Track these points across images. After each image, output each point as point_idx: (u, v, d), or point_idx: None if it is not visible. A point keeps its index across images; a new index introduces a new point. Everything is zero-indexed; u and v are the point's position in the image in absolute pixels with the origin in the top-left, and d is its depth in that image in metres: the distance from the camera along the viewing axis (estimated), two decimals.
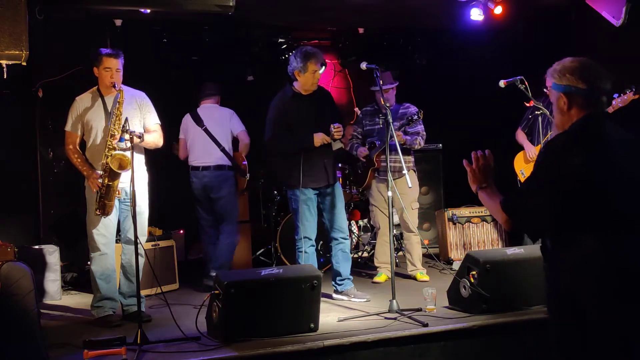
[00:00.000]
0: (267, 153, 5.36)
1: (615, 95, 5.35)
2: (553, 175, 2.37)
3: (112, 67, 4.58)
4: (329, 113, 5.09)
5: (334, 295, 5.15)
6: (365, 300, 5.00)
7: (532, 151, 5.77)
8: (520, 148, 5.93)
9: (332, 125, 4.96)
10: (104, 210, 4.50)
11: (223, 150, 5.86)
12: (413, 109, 5.88)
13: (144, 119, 4.75)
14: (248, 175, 6.06)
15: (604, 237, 2.33)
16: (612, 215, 2.34)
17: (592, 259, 2.32)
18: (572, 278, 2.37)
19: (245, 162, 6.06)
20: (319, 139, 4.96)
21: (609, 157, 2.38)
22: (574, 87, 2.46)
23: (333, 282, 5.18)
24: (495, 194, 2.59)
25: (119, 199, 4.61)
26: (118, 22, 6.42)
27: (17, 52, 4.32)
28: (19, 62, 4.41)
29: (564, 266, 2.40)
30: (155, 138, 4.76)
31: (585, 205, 2.34)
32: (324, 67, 5.13)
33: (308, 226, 5.03)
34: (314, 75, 4.98)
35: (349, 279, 5.14)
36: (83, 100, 4.71)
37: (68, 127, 4.70)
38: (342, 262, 5.12)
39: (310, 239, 5.05)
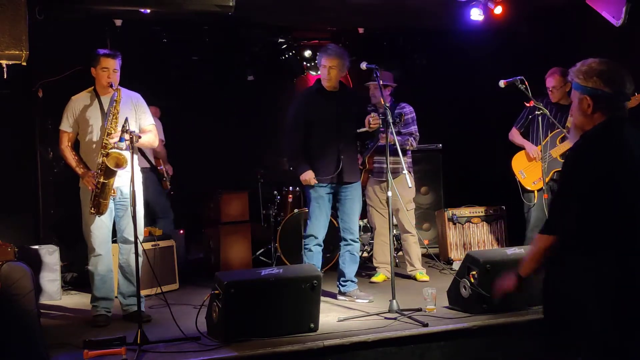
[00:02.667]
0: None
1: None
2: (584, 181, 2.33)
3: (110, 67, 4.59)
4: (355, 114, 5.09)
5: (338, 296, 5.17)
6: (367, 301, 5.00)
7: (534, 151, 5.71)
8: (518, 148, 5.90)
9: (369, 116, 4.93)
10: (99, 209, 4.51)
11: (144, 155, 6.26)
12: (407, 109, 5.88)
13: (139, 120, 4.76)
14: (166, 177, 6.44)
15: (623, 248, 2.30)
16: (632, 223, 2.31)
17: (610, 271, 2.31)
18: (585, 287, 2.36)
19: (162, 167, 6.46)
20: (305, 177, 5.02)
21: (633, 162, 2.36)
22: (600, 90, 2.44)
23: (337, 282, 5.19)
24: (524, 261, 2.54)
25: (113, 199, 4.61)
26: (118, 22, 6.41)
27: (17, 52, 4.32)
28: (19, 62, 4.40)
29: (579, 275, 2.38)
30: (150, 138, 4.78)
31: (609, 213, 2.31)
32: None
33: (317, 224, 5.05)
34: (322, 70, 5.09)
35: (352, 281, 5.14)
36: (79, 100, 4.71)
37: (63, 127, 4.70)
38: (348, 264, 5.12)
39: (316, 237, 5.06)
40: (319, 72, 7.63)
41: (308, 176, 5.02)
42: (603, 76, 2.44)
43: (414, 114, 5.91)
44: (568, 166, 2.45)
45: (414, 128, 5.85)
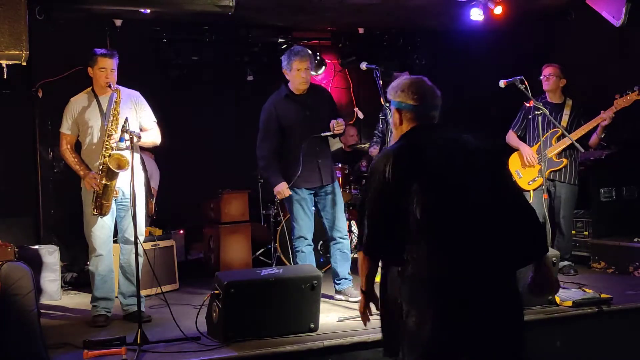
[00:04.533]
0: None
1: (618, 96, 5.37)
2: (381, 191, 2.49)
3: (107, 67, 4.58)
4: (327, 113, 5.05)
5: (335, 296, 5.16)
6: (358, 300, 4.98)
7: (529, 155, 5.70)
8: (514, 149, 5.90)
9: (333, 121, 4.93)
10: (101, 210, 4.50)
11: None
12: None
13: (140, 118, 4.75)
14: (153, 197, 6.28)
15: (427, 247, 2.43)
16: (430, 223, 2.42)
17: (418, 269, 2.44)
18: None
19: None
20: (278, 189, 4.98)
21: (425, 165, 2.50)
22: (404, 103, 2.68)
23: (333, 282, 5.19)
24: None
25: (115, 200, 4.61)
26: (118, 22, 6.43)
27: (17, 52, 4.32)
28: (19, 62, 4.40)
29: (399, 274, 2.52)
30: (153, 136, 4.76)
31: (408, 215, 2.43)
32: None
33: (303, 225, 5.03)
34: (298, 73, 4.95)
35: (346, 278, 5.13)
36: (78, 101, 4.70)
37: (63, 129, 4.69)
38: (340, 262, 5.12)
39: (306, 238, 5.05)
40: (319, 73, 7.70)
41: (282, 188, 4.98)
42: (406, 90, 2.69)
43: None
44: (368, 176, 2.66)
45: None
